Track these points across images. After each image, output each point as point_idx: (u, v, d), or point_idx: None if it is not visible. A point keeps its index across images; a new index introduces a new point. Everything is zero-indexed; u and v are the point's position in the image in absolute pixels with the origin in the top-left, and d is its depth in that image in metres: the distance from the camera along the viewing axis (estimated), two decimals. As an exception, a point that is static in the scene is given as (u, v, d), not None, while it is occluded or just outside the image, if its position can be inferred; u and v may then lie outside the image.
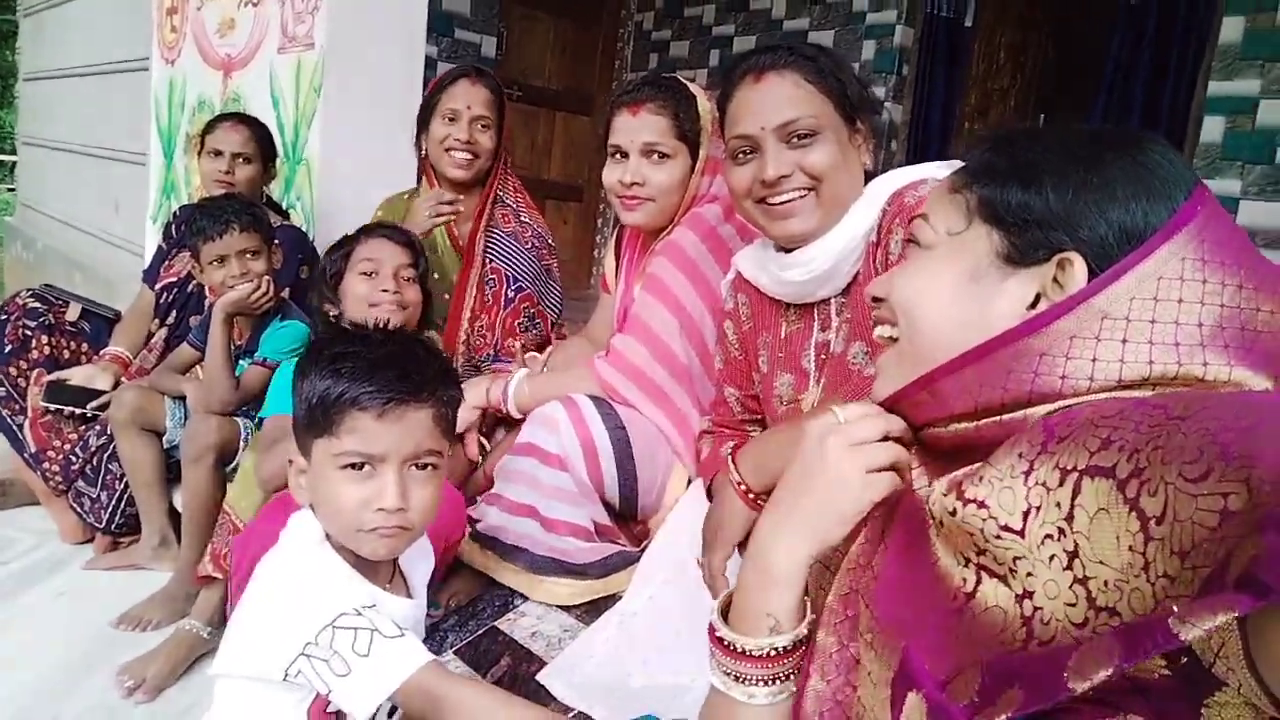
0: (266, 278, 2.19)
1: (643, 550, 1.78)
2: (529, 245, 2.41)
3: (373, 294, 1.87)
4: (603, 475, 1.77)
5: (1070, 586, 0.62)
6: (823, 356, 1.48)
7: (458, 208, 2.33)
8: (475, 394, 1.95)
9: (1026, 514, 0.66)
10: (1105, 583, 0.59)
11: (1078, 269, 0.73)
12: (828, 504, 0.81)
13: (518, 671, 1.64)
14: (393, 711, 1.20)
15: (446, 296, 2.32)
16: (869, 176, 1.42)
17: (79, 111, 5.11)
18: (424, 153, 2.42)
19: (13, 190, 8.39)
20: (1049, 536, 0.64)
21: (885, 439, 0.83)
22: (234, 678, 1.15)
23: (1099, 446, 0.62)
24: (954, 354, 0.78)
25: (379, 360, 1.12)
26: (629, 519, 1.89)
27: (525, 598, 1.81)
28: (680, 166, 1.85)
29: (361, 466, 1.11)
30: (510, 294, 2.37)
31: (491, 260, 2.36)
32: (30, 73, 6.14)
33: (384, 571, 1.22)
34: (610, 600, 1.76)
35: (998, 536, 0.67)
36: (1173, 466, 0.56)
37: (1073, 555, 0.62)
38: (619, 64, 5.37)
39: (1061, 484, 0.64)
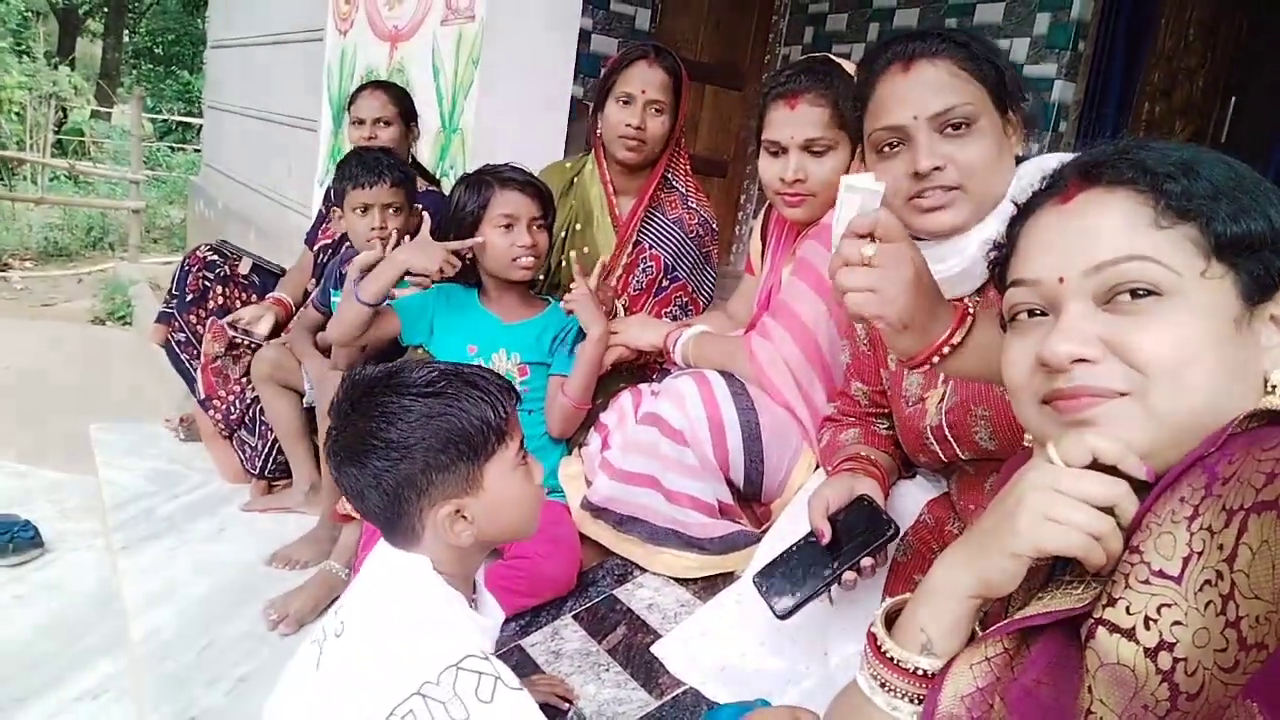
0: (394, 234, 2.24)
1: (764, 531, 1.77)
2: (693, 233, 2.35)
3: (512, 248, 2.02)
4: (728, 454, 1.76)
5: (1222, 632, 0.60)
6: None
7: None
8: (654, 334, 2.06)
9: (1187, 560, 0.64)
10: (1257, 618, 0.58)
11: None
12: (994, 535, 0.74)
13: (633, 641, 1.66)
14: None
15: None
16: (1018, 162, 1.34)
17: (257, 78, 5.43)
18: (598, 131, 2.34)
19: (199, 151, 9.03)
20: (1208, 582, 0.62)
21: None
22: None
23: (1264, 482, 0.61)
24: (1212, 411, 0.70)
25: (472, 368, 1.18)
26: (752, 500, 1.88)
27: (643, 569, 1.83)
28: (842, 156, 1.78)
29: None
30: (665, 283, 2.32)
31: (652, 246, 2.32)
32: (216, 40, 6.57)
33: (467, 588, 1.20)
34: (728, 578, 1.76)
35: (1146, 582, 0.66)
36: None
37: (1227, 599, 0.61)
38: (773, 37, 5.26)
39: (1227, 525, 0.62)
